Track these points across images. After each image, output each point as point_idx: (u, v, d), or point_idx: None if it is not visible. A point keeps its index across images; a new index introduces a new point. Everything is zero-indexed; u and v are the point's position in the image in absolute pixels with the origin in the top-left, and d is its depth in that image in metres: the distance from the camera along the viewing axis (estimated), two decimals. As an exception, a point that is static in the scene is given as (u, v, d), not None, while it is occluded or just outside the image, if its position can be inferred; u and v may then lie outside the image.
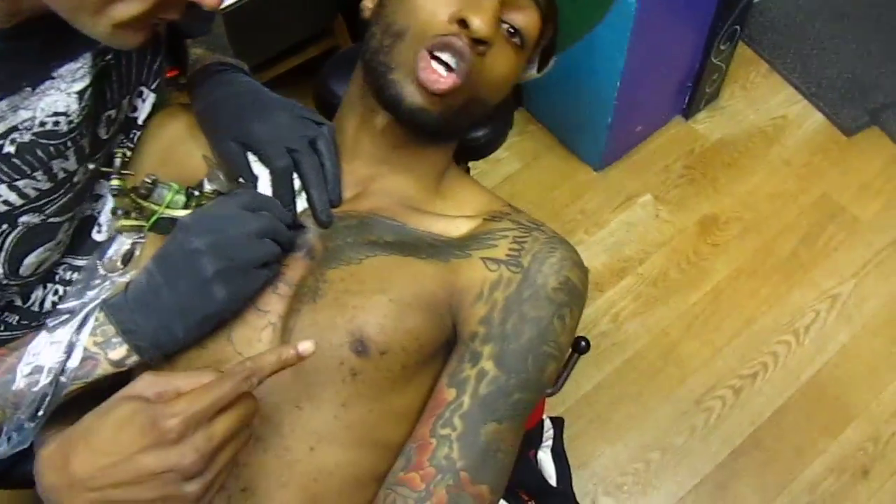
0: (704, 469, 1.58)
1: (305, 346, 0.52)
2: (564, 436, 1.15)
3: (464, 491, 0.58)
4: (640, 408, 1.67)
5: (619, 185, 1.98)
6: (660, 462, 1.59)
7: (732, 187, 1.96)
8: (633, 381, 1.70)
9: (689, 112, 2.05)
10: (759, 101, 2.12)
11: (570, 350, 1.06)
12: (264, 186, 0.68)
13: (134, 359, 0.59)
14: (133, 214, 0.67)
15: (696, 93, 1.97)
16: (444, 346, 0.67)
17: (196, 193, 0.69)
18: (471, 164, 1.11)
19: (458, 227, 0.71)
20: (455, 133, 0.76)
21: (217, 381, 0.49)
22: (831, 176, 1.98)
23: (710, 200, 1.94)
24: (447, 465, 0.59)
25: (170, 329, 0.58)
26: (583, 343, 1.03)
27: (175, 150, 0.74)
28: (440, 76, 0.63)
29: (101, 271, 0.67)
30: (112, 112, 0.67)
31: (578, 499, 1.55)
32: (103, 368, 0.58)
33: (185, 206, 0.68)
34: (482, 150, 1.00)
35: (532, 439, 1.04)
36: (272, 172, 0.67)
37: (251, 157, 0.68)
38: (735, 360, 1.71)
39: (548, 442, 1.06)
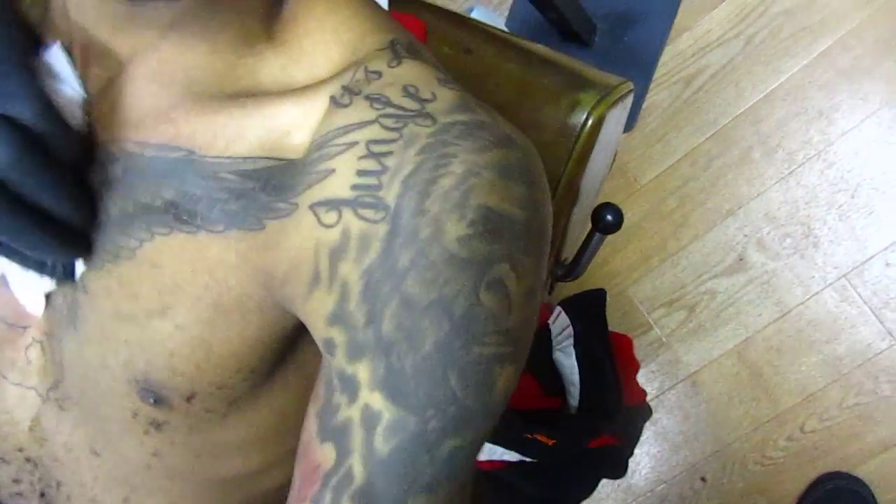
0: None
1: None
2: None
3: None
4: (829, 126, 1.15)
5: None
6: (846, 209, 1.14)
7: None
8: (826, 87, 1.15)
9: None
10: None
11: (591, 227, 0.60)
12: None
13: None
14: None
15: None
16: (302, 336, 0.43)
17: None
18: None
19: (287, 130, 0.38)
20: None
21: None
22: None
23: None
24: None
25: None
26: (608, 216, 0.57)
27: None
28: None
29: None
30: None
31: (720, 255, 1.20)
32: None
33: None
34: None
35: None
36: None
37: None
38: None
39: (566, 341, 0.68)
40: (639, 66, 1.26)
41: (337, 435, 0.36)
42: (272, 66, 0.40)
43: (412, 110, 0.36)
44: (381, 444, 0.34)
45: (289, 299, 0.38)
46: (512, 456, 0.69)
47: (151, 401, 0.41)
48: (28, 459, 0.48)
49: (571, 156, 0.53)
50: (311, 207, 0.36)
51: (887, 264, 1.12)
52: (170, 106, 0.39)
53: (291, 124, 0.38)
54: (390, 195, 0.34)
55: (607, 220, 0.59)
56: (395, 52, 0.40)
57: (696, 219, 1.23)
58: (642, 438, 1.24)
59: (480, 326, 0.34)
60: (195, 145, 0.38)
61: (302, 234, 0.37)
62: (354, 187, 0.35)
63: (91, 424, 0.45)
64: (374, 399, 0.35)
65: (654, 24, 1.25)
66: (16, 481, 0.49)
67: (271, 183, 0.37)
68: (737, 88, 1.20)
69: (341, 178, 0.35)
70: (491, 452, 0.69)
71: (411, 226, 0.34)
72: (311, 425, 0.38)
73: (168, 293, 0.39)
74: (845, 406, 1.13)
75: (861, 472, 1.12)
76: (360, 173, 0.35)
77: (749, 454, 1.18)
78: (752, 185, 1.19)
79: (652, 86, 1.26)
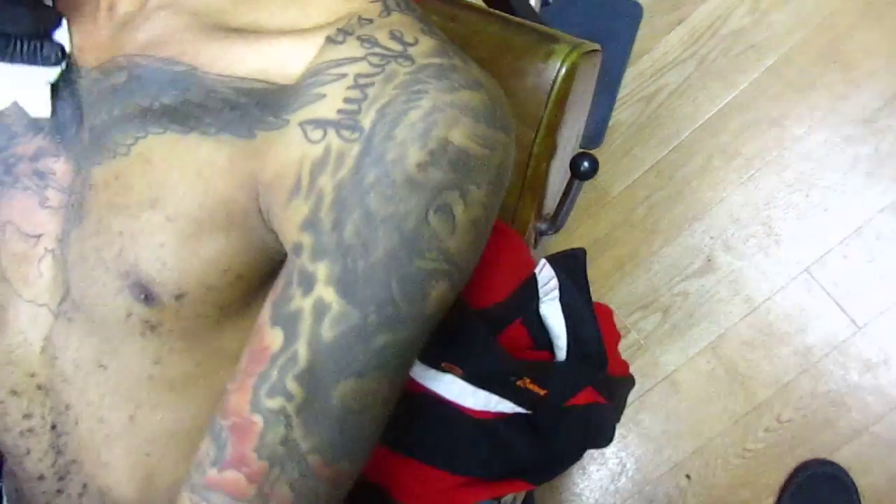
0: (861, 215, 1.19)
1: None
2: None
3: (317, 479, 0.41)
4: (782, 133, 1.24)
5: None
6: (803, 207, 1.22)
7: None
8: (775, 98, 1.24)
9: None
10: None
11: (570, 174, 0.67)
12: None
13: None
14: None
15: None
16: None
17: None
18: None
19: (283, 61, 0.42)
20: None
21: None
22: None
23: None
24: (287, 453, 0.40)
25: None
26: (585, 163, 0.63)
27: None
28: None
29: None
30: None
31: (689, 258, 1.26)
32: None
33: None
34: None
35: (511, 308, 0.71)
36: None
37: None
38: (933, 56, 1.19)
39: (552, 293, 0.73)
40: (603, 87, 1.35)
41: (288, 321, 0.40)
42: (271, 6, 0.44)
43: (395, 51, 0.41)
44: (327, 332, 0.39)
45: (268, 207, 0.42)
46: (506, 406, 0.72)
47: (142, 297, 0.44)
48: (39, 387, 0.49)
49: (550, 99, 0.59)
50: (301, 125, 0.40)
51: (845, 257, 1.19)
52: (178, 30, 0.44)
53: (288, 56, 0.42)
54: (366, 120, 0.39)
55: (585, 166, 0.65)
56: (386, 4, 0.44)
57: (664, 225, 1.29)
58: (626, 440, 1.26)
59: (424, 243, 0.39)
60: (198, 63, 0.43)
61: (289, 147, 0.40)
62: (340, 111, 0.39)
63: (95, 334, 0.47)
64: (327, 293, 0.39)
65: (616, 49, 1.34)
66: (27, 416, 0.50)
67: (265, 101, 0.41)
68: (694, 103, 1.29)
69: (330, 102, 0.40)
70: (486, 402, 0.72)
71: (380, 148, 0.38)
72: (265, 312, 0.42)
73: (158, 187, 0.43)
74: (817, 394, 1.18)
75: (838, 457, 1.15)
76: (346, 100, 0.40)
77: (730, 448, 1.21)
78: (714, 191, 1.27)
79: (616, 105, 1.35)
